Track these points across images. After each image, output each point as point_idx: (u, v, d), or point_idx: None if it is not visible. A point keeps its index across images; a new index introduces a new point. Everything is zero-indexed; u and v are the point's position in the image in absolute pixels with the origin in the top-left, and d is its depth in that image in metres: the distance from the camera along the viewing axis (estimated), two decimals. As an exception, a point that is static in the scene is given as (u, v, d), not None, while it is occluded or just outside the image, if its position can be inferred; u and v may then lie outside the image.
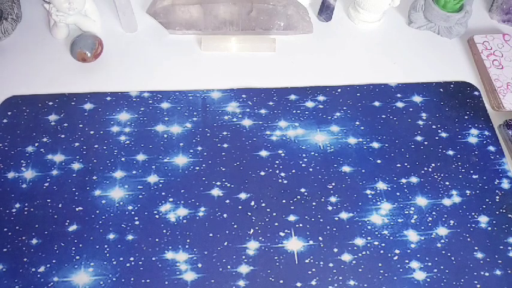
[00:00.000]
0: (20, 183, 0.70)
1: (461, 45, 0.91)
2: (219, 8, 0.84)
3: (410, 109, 0.81)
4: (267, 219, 0.68)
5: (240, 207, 0.69)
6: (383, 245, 0.67)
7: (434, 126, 0.79)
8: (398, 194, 0.72)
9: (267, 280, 0.64)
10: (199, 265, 0.64)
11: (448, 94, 0.83)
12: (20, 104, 0.78)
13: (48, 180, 0.71)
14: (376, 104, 0.81)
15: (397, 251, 0.67)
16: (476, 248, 0.67)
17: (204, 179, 0.72)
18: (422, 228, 0.69)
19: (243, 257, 0.65)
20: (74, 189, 0.70)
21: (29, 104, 0.78)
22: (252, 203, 0.70)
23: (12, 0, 0.87)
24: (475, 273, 0.65)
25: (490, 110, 0.82)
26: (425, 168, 0.74)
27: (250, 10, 0.85)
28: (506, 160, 0.76)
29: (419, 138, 0.77)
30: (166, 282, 0.63)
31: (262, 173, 0.73)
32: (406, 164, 0.75)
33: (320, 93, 0.82)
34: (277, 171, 0.73)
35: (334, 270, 0.65)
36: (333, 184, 0.72)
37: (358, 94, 0.82)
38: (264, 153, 0.75)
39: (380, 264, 0.65)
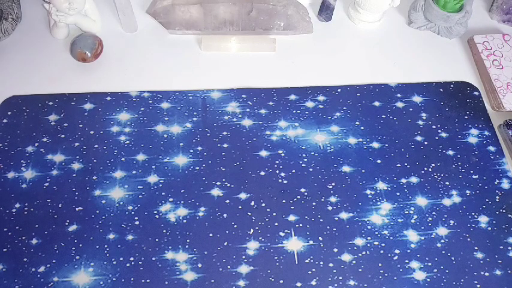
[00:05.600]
0: (20, 183, 0.70)
1: (461, 45, 0.91)
2: (219, 8, 0.84)
3: (410, 109, 0.81)
4: (267, 219, 0.68)
5: (240, 207, 0.69)
6: (383, 245, 0.67)
7: (434, 126, 0.79)
8: (398, 194, 0.72)
9: (267, 280, 0.64)
10: (199, 265, 0.64)
11: (448, 94, 0.83)
12: (20, 104, 0.78)
13: (48, 180, 0.71)
14: (376, 104, 0.81)
15: (397, 251, 0.67)
16: (476, 248, 0.67)
17: (204, 179, 0.72)
18: (422, 228, 0.69)
19: (243, 257, 0.65)
20: (74, 189, 0.70)
21: (29, 104, 0.78)
22: (252, 203, 0.70)
23: (12, 0, 0.87)
24: (475, 273, 0.65)
25: (490, 110, 0.82)
26: (425, 168, 0.74)
27: (250, 10, 0.85)
28: (506, 160, 0.76)
29: (419, 138, 0.77)
30: (166, 282, 0.63)
31: (262, 173, 0.73)
32: (406, 164, 0.75)
33: (320, 93, 0.82)
34: (277, 171, 0.73)
35: (334, 270, 0.65)
36: (333, 184, 0.72)
37: (358, 94, 0.82)
38: (264, 153, 0.75)
39: (380, 264, 0.65)
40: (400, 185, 0.72)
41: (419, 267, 0.65)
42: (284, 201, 0.70)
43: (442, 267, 0.65)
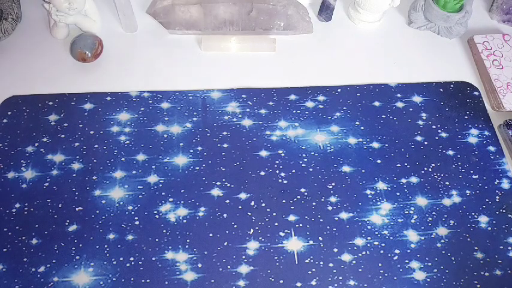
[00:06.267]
0: (20, 183, 0.70)
1: (461, 45, 0.91)
2: (219, 8, 0.84)
3: (410, 109, 0.81)
4: (267, 219, 0.68)
5: (240, 207, 0.69)
6: (383, 245, 0.67)
7: (434, 126, 0.79)
8: (398, 194, 0.72)
9: (267, 280, 0.64)
10: (199, 265, 0.64)
11: (448, 94, 0.83)
12: (20, 104, 0.78)
13: (48, 180, 0.71)
14: (376, 104, 0.81)
15: (397, 251, 0.67)
16: (476, 248, 0.67)
17: (204, 179, 0.72)
18: (422, 228, 0.69)
19: (243, 257, 0.65)
20: (74, 189, 0.70)
21: (29, 104, 0.78)
22: (252, 203, 0.70)
23: (12, 0, 0.87)
24: (475, 273, 0.65)
25: (490, 110, 0.82)
26: (425, 168, 0.74)
27: (250, 10, 0.85)
28: (506, 160, 0.76)
29: (419, 138, 0.77)
30: (166, 282, 0.63)
31: (262, 173, 0.73)
32: (406, 164, 0.75)
33: (320, 93, 0.82)
34: (277, 171, 0.73)
35: (334, 270, 0.65)
36: (333, 184, 0.72)
37: (358, 94, 0.82)
38: (264, 153, 0.75)
39: (380, 264, 0.65)
40: (400, 185, 0.72)
41: (419, 267, 0.65)
42: (284, 201, 0.70)
43: (442, 267, 0.65)
